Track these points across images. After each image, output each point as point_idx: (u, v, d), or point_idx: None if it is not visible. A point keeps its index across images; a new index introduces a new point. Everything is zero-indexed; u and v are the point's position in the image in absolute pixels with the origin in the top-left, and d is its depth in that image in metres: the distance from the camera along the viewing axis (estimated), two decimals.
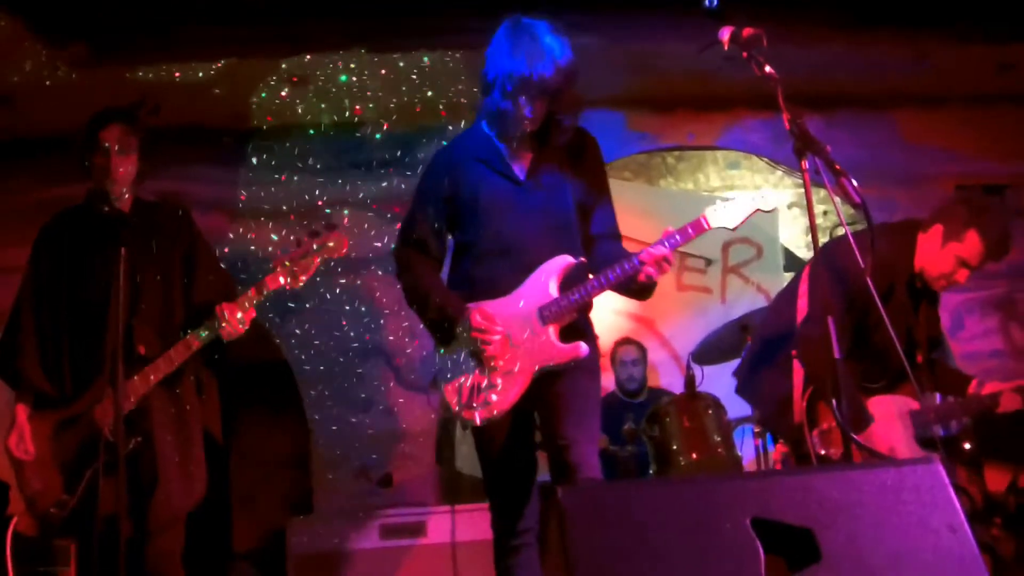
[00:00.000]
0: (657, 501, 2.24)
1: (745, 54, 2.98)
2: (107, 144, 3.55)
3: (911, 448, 3.82)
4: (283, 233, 5.69)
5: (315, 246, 3.52)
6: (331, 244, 3.53)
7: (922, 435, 3.90)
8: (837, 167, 2.81)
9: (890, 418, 3.88)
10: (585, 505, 2.23)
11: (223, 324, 3.43)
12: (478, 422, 3.22)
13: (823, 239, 3.77)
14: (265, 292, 3.51)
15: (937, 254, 3.85)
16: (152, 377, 3.45)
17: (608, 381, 5.97)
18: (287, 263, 3.51)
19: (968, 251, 3.80)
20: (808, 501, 2.21)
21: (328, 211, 5.80)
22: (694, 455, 4.98)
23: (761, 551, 2.11)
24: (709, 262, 7.05)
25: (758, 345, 4.30)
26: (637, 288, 3.27)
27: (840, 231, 4.61)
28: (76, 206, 3.73)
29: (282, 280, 3.50)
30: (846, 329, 3.75)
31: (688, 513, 2.19)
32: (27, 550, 3.38)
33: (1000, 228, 3.83)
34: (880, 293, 3.22)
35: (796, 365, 3.88)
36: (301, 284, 3.53)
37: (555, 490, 2.28)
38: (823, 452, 3.75)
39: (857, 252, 2.98)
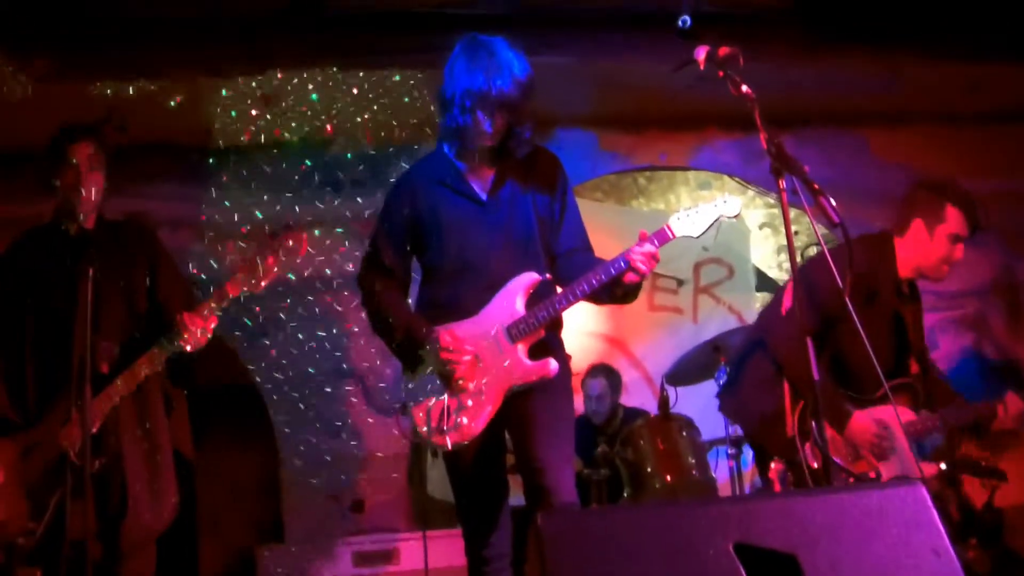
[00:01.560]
0: (638, 526, 2.19)
1: (721, 73, 2.97)
2: (76, 161, 3.48)
3: (904, 459, 3.83)
4: None
5: (275, 248, 3.43)
6: (291, 244, 3.44)
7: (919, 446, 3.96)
8: (815, 186, 2.80)
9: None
10: (565, 531, 2.18)
11: (184, 334, 3.34)
12: (449, 446, 3.16)
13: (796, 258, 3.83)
14: (227, 299, 3.42)
15: (928, 245, 3.96)
16: (115, 395, 3.36)
17: (581, 402, 5.91)
18: (248, 268, 3.42)
19: (955, 225, 3.94)
20: (791, 525, 2.18)
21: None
22: (668, 477, 4.96)
23: None
24: (681, 282, 7.06)
25: (739, 363, 4.29)
26: (622, 292, 3.23)
27: (812, 251, 4.64)
28: (42, 225, 3.65)
29: (243, 286, 3.41)
30: (824, 346, 3.81)
31: (670, 538, 2.14)
32: None
33: (965, 193, 4.01)
34: (861, 301, 3.24)
35: (784, 381, 3.89)
36: (263, 288, 3.43)
37: (532, 515, 2.24)
38: (816, 465, 3.75)
39: (834, 268, 2.98)
